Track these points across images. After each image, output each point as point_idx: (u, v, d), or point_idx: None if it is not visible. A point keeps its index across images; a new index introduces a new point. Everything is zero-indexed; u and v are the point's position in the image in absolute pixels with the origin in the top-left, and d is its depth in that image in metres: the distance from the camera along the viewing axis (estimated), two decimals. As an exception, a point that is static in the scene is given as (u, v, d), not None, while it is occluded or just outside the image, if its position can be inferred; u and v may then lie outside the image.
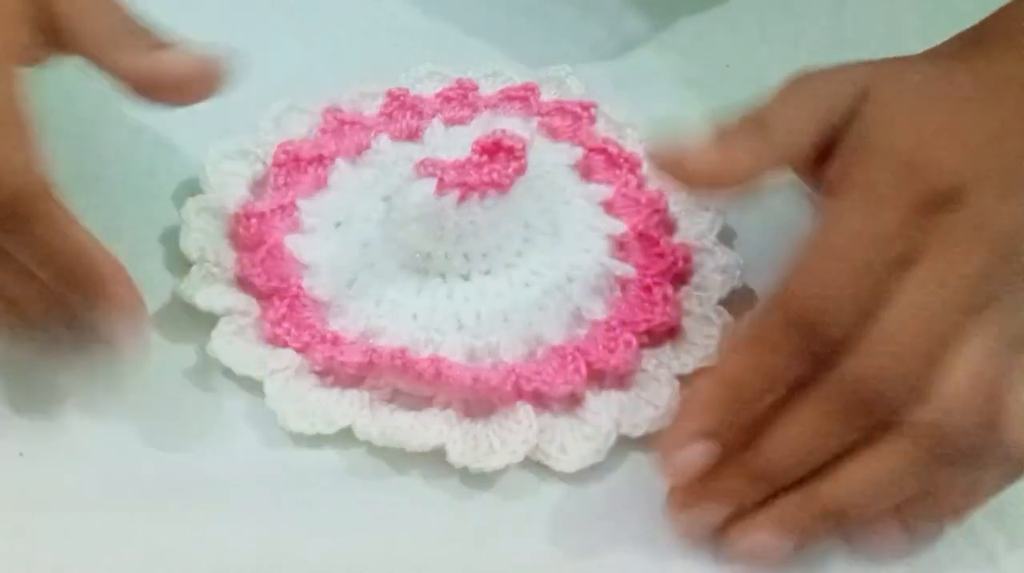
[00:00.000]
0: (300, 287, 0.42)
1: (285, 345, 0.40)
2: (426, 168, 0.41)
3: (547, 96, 0.48)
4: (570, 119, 0.47)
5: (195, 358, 0.41)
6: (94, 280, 0.38)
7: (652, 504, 0.38)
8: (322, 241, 0.43)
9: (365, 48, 0.50)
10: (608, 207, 0.45)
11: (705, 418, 0.35)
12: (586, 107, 0.47)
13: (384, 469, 0.39)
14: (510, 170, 0.41)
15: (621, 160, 0.46)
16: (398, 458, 0.39)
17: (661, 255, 0.43)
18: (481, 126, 0.46)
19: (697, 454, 0.35)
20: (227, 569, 0.37)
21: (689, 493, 0.36)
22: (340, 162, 0.45)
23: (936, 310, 0.34)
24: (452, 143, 0.45)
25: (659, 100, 0.47)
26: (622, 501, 0.38)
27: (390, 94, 0.48)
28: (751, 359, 0.35)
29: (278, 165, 0.45)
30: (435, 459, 0.39)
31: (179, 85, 0.39)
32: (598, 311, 0.41)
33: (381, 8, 0.53)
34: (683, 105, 0.48)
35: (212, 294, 0.42)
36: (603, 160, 0.46)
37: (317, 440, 0.39)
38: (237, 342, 0.41)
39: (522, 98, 0.48)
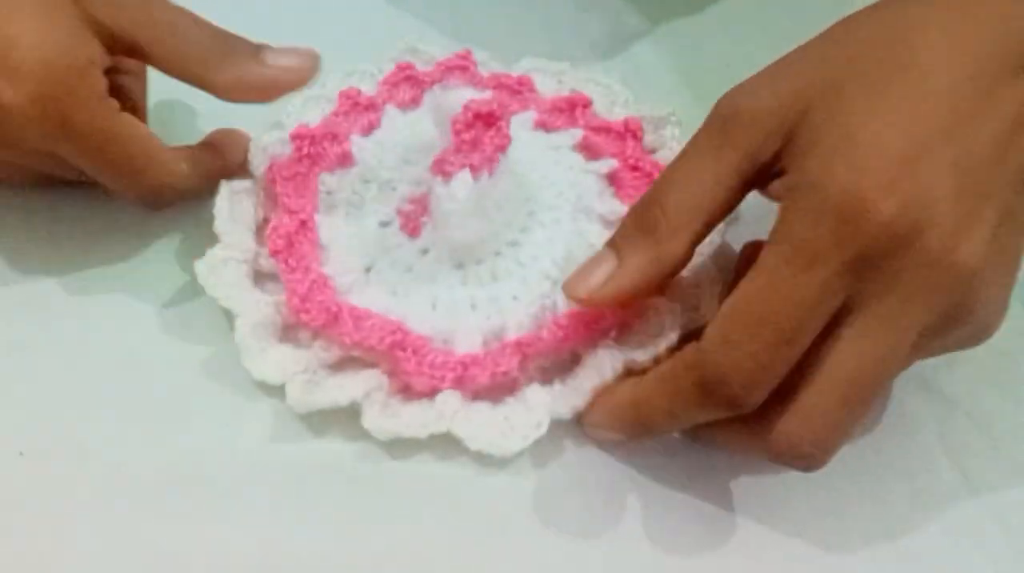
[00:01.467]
0: (320, 272, 0.42)
1: (305, 324, 0.40)
2: (444, 166, 0.41)
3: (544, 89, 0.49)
4: (566, 111, 0.47)
5: (196, 358, 0.41)
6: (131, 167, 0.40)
7: (660, 495, 0.38)
8: (342, 221, 0.44)
9: (362, 45, 0.49)
10: (611, 181, 0.45)
11: (612, 425, 0.38)
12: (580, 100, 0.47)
13: (384, 469, 0.39)
14: (494, 143, 0.41)
15: (627, 134, 0.46)
16: (399, 456, 0.39)
17: None
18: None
19: (610, 439, 0.38)
20: (227, 569, 0.37)
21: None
22: (356, 138, 0.46)
23: (861, 378, 0.33)
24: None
25: (659, 100, 0.47)
26: (628, 494, 0.39)
27: (398, 66, 0.48)
28: (664, 400, 0.36)
29: (299, 141, 0.45)
30: (436, 458, 0.39)
31: (274, 87, 0.42)
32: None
33: (375, 6, 0.53)
34: (683, 104, 0.48)
35: (231, 286, 0.41)
36: (605, 139, 0.46)
37: (317, 438, 0.39)
38: (260, 334, 0.40)
39: (515, 90, 0.48)
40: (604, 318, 0.40)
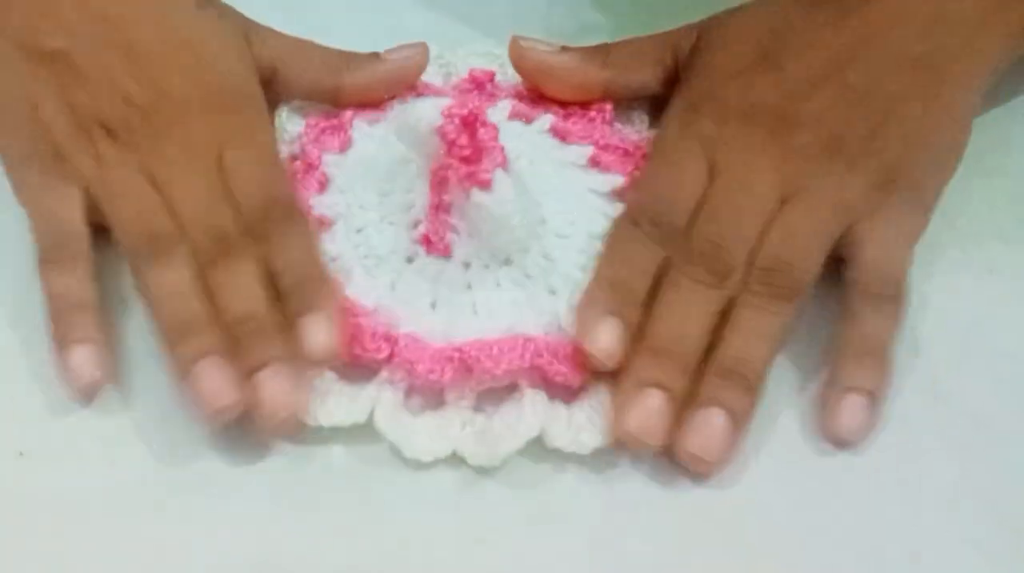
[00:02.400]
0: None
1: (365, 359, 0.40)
2: (446, 177, 0.41)
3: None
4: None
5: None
6: (321, 296, 0.40)
7: (663, 496, 0.38)
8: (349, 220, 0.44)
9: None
10: (619, 192, 0.45)
11: (601, 305, 0.40)
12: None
13: (385, 468, 0.39)
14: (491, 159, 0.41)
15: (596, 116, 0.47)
16: (399, 457, 0.39)
17: None
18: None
19: (611, 327, 0.40)
20: (227, 569, 0.37)
21: (617, 403, 0.39)
22: (359, 122, 0.46)
23: (750, 184, 0.42)
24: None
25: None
26: (631, 494, 0.39)
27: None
28: (616, 255, 0.41)
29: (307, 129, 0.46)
30: (436, 459, 0.39)
31: (398, 82, 0.47)
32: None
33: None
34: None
35: None
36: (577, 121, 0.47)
37: (318, 439, 0.39)
38: None
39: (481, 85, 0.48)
40: None
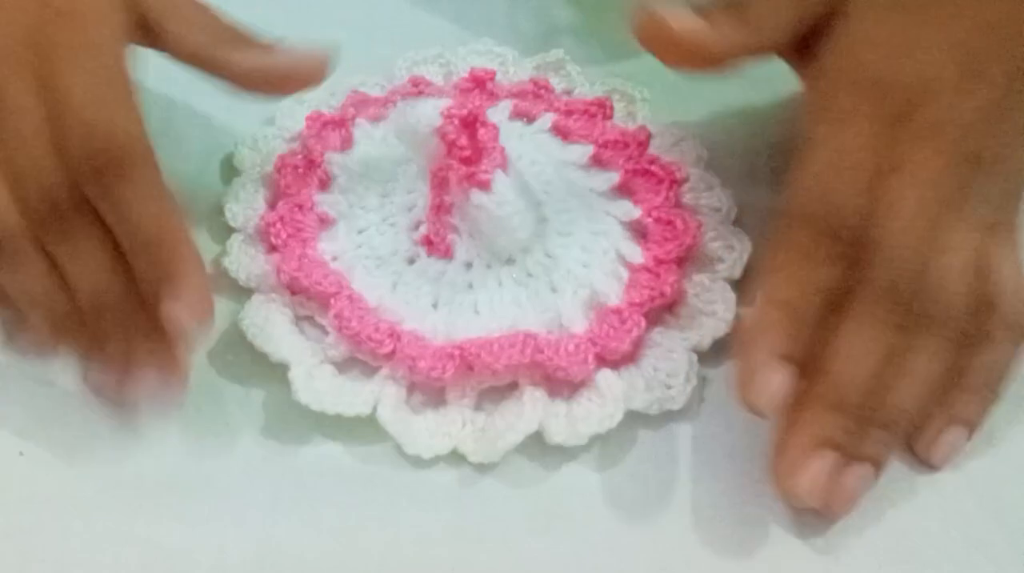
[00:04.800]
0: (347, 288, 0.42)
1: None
2: (447, 177, 0.41)
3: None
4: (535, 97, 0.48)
5: (197, 357, 0.41)
6: (174, 262, 0.37)
7: (664, 496, 0.38)
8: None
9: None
10: (619, 189, 0.45)
11: (772, 339, 0.37)
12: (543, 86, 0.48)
13: (384, 468, 0.39)
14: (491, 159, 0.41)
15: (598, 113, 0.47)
16: (399, 456, 0.39)
17: (674, 235, 0.43)
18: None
19: (778, 377, 0.36)
20: (227, 569, 0.37)
21: (788, 458, 0.37)
22: (361, 121, 0.47)
23: (920, 211, 0.37)
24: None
25: (665, 95, 0.47)
26: (635, 486, 0.39)
27: (412, 80, 0.48)
28: (790, 273, 0.38)
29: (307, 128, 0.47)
30: (436, 459, 0.39)
31: (288, 79, 0.43)
32: (613, 296, 0.41)
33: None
34: (683, 105, 0.48)
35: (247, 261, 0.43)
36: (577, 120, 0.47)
37: (318, 439, 0.39)
38: (269, 322, 0.41)
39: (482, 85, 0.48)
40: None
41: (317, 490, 0.38)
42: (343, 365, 0.41)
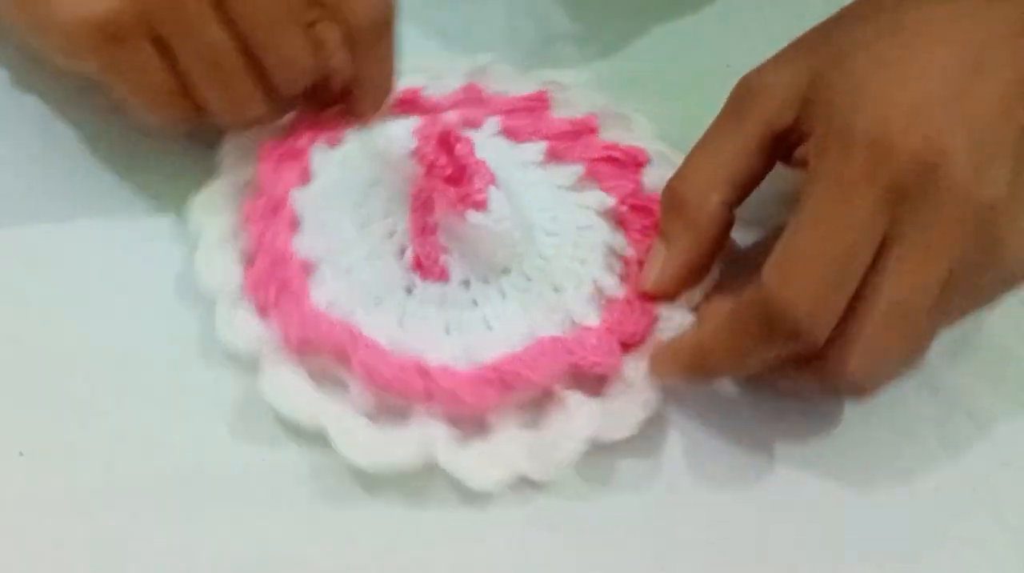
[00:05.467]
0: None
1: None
2: (430, 198, 0.40)
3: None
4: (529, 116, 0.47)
5: (195, 358, 0.41)
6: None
7: (665, 496, 0.38)
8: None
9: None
10: (586, 180, 0.45)
11: (675, 370, 0.39)
12: (541, 99, 0.47)
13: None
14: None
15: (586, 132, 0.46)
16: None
17: (654, 222, 0.43)
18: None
19: (675, 381, 0.39)
20: (227, 569, 0.37)
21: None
22: (318, 147, 0.44)
23: (914, 305, 0.35)
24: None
25: (662, 100, 0.47)
26: (632, 494, 0.39)
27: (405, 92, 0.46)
28: (728, 338, 0.37)
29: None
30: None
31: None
32: (614, 286, 0.41)
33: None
34: (686, 105, 0.48)
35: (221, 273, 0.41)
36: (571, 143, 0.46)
37: (318, 439, 0.39)
38: (291, 389, 0.39)
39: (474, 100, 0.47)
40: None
41: (317, 490, 0.38)
42: (375, 414, 0.39)
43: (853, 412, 0.40)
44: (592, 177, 0.44)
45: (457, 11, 0.51)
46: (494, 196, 0.40)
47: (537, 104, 0.46)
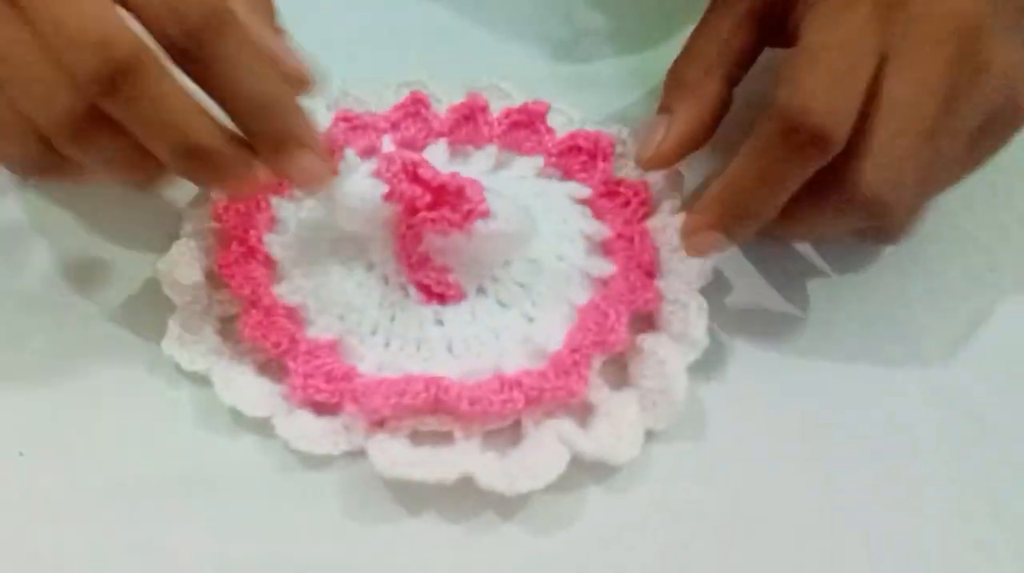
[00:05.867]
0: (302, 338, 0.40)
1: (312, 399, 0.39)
2: (475, 198, 0.39)
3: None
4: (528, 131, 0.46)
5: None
6: (292, 118, 0.37)
7: (665, 496, 0.38)
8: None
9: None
10: (552, 168, 0.45)
11: (712, 217, 0.39)
12: (540, 113, 0.46)
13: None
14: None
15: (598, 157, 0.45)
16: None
17: (625, 203, 0.43)
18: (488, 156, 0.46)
19: (711, 241, 0.39)
20: (227, 569, 0.37)
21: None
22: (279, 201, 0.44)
23: (920, 109, 0.37)
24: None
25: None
26: (632, 494, 0.39)
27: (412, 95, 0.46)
28: (755, 166, 0.38)
29: None
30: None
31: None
32: (554, 341, 0.40)
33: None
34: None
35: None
36: (578, 160, 0.45)
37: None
38: (308, 440, 0.39)
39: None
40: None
41: (317, 490, 0.38)
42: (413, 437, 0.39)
43: (853, 412, 0.40)
44: (557, 166, 0.45)
45: (486, 10, 0.51)
46: (493, 199, 0.39)
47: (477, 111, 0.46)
